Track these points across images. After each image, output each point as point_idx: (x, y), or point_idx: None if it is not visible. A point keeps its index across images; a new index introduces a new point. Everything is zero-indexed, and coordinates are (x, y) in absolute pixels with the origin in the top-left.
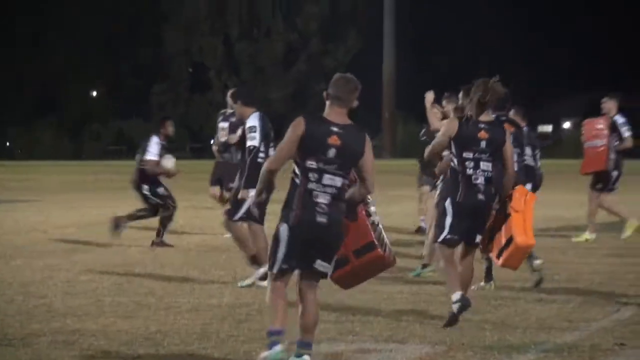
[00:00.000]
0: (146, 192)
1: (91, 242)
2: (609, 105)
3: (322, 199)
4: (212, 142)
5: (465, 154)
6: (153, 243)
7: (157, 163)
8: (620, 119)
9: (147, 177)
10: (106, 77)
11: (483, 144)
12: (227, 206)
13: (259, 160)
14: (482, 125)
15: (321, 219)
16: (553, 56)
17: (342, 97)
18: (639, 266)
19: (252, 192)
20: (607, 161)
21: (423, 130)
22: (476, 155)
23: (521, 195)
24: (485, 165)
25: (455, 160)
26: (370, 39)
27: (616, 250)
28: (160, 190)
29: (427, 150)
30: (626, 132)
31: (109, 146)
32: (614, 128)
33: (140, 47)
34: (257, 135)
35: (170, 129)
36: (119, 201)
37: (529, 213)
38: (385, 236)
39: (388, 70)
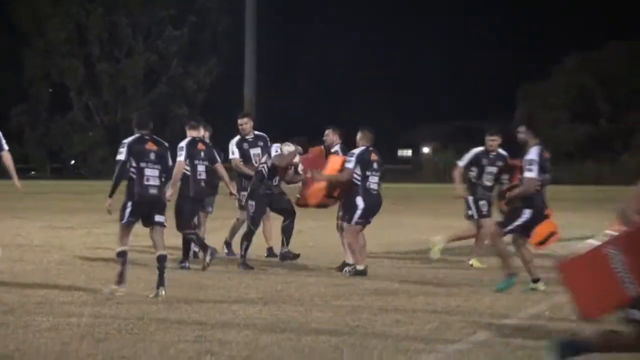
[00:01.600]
0: None
1: None
2: (333, 137)
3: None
4: None
5: None
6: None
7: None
8: (339, 148)
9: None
10: None
11: None
12: None
13: None
14: None
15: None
16: (412, 82)
17: None
18: (495, 287)
19: None
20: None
21: None
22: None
23: None
24: None
25: None
26: (231, 63)
27: (473, 273)
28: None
29: None
30: (347, 164)
31: None
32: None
33: None
34: None
35: None
36: None
37: None
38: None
39: (249, 95)
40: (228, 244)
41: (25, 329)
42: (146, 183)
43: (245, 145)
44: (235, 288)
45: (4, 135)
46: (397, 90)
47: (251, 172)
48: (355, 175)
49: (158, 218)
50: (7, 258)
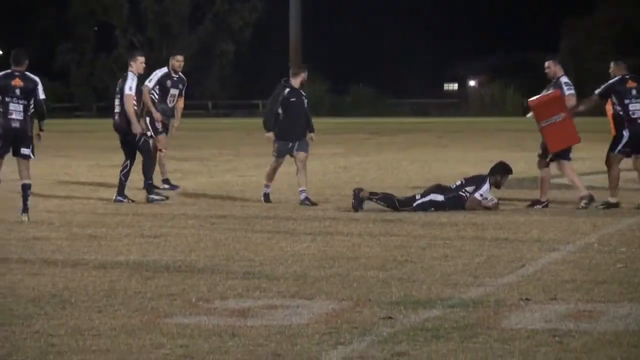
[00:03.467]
0: None
1: None
2: (555, 69)
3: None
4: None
5: None
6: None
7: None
8: (564, 79)
9: None
10: (8, 39)
11: None
12: None
13: None
14: None
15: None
16: (459, 16)
17: None
18: (544, 222)
19: None
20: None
21: None
22: None
23: None
24: None
25: None
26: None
27: (521, 207)
28: None
29: None
30: (567, 91)
31: None
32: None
33: (44, 9)
34: None
35: None
36: None
37: None
38: None
39: (294, 30)
40: (166, 180)
41: (73, 267)
42: (9, 117)
43: (169, 83)
44: (283, 224)
45: (49, 74)
46: (442, 23)
47: (154, 112)
48: (617, 107)
49: (24, 150)
50: (55, 197)
